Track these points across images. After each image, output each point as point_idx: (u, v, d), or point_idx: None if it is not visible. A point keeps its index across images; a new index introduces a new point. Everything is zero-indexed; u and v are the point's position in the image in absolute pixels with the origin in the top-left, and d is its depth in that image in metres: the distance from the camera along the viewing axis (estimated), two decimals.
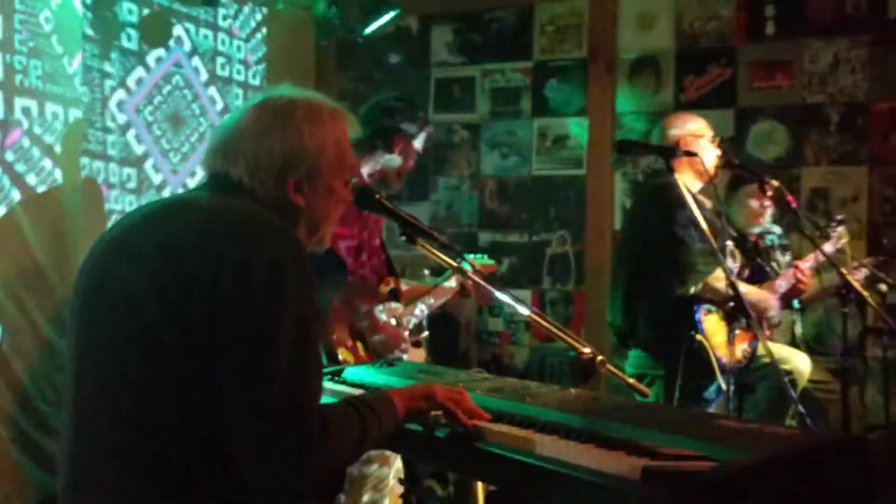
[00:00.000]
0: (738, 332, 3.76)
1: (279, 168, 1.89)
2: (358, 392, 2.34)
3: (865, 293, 4.04)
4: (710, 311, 3.79)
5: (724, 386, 3.73)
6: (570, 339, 2.55)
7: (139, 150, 4.71)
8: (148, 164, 4.77)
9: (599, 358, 2.49)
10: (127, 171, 4.63)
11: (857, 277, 4.16)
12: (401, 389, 2.06)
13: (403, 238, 2.46)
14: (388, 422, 1.93)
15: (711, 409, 3.81)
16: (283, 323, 1.70)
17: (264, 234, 1.77)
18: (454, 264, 2.59)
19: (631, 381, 2.80)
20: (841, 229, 4.39)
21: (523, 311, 2.66)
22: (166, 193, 4.88)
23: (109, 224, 4.47)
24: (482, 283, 2.62)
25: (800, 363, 4.24)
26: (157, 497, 1.70)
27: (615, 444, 1.86)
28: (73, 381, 1.83)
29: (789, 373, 4.11)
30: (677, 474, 1.65)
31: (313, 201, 1.95)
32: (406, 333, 3.34)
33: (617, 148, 3.14)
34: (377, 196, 2.45)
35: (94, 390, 1.78)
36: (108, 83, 4.44)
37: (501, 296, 2.63)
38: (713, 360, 3.68)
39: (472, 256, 3.92)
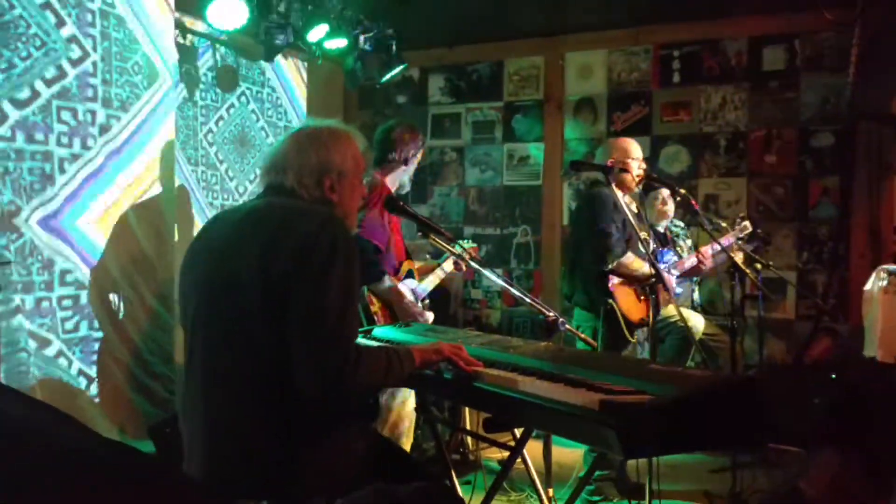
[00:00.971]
0: (642, 297, 3.82)
1: (317, 174, 1.97)
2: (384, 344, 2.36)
3: (746, 269, 4.06)
4: (621, 283, 3.81)
5: (630, 338, 3.77)
6: (538, 306, 2.57)
7: (210, 169, 4.70)
8: (219, 178, 4.76)
9: (560, 319, 2.51)
10: (204, 179, 4.62)
11: (739, 258, 4.17)
12: (418, 346, 2.08)
13: (420, 234, 2.47)
14: (408, 365, 1.97)
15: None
16: (335, 277, 1.75)
17: (324, 219, 1.84)
18: (455, 252, 2.61)
19: (583, 336, 2.82)
20: (745, 223, 4.39)
21: (503, 284, 2.67)
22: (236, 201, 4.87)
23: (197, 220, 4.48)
24: (475, 265, 2.63)
25: (696, 321, 4.26)
26: (259, 401, 1.77)
27: (578, 384, 1.86)
28: (199, 340, 1.87)
29: (689, 329, 4.13)
30: (626, 405, 1.67)
31: (343, 196, 2.02)
32: (418, 303, 3.33)
33: (571, 166, 3.14)
34: (402, 203, 2.45)
35: (218, 336, 1.83)
36: (198, 117, 4.43)
37: (490, 274, 2.64)
38: (620, 318, 3.73)
39: (463, 241, 3.93)
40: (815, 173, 5.07)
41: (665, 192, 4.58)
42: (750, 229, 4.37)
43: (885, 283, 3.95)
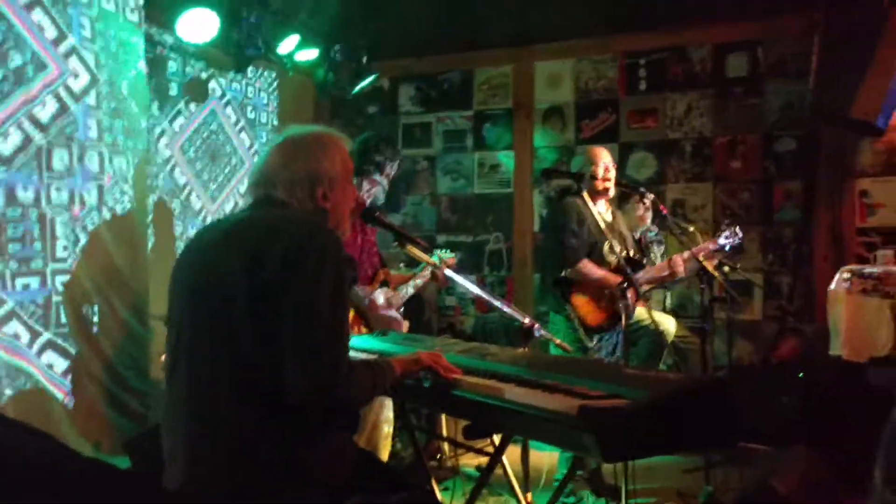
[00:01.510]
0: (602, 303, 3.89)
1: (309, 185, 1.95)
2: (361, 355, 2.37)
3: (715, 272, 4.13)
4: (579, 289, 3.89)
5: (588, 343, 3.85)
6: (514, 312, 2.60)
7: (182, 181, 4.66)
8: (188, 193, 4.73)
9: (536, 325, 2.55)
10: (175, 199, 4.58)
11: (708, 263, 4.22)
12: (398, 357, 2.10)
13: (396, 244, 2.49)
14: (390, 378, 1.99)
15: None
16: (325, 286, 1.76)
17: (311, 227, 1.85)
18: (432, 262, 2.63)
19: (558, 341, 2.86)
20: (737, 228, 4.38)
21: (479, 292, 2.70)
22: (207, 217, 4.85)
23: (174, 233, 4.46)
24: (452, 275, 2.65)
25: (668, 324, 4.32)
26: (248, 406, 1.76)
27: (555, 389, 1.90)
28: (184, 350, 1.87)
29: (661, 332, 4.21)
30: (604, 409, 1.71)
31: (335, 203, 2.01)
32: (393, 311, 3.35)
33: (542, 174, 3.21)
34: (378, 213, 2.47)
35: (203, 347, 1.83)
36: (157, 129, 4.40)
37: (466, 283, 2.67)
38: (577, 324, 3.80)
39: (441, 251, 3.96)
40: (779, 177, 5.18)
41: (650, 197, 4.61)
42: (740, 235, 4.27)
43: (848, 283, 4.04)
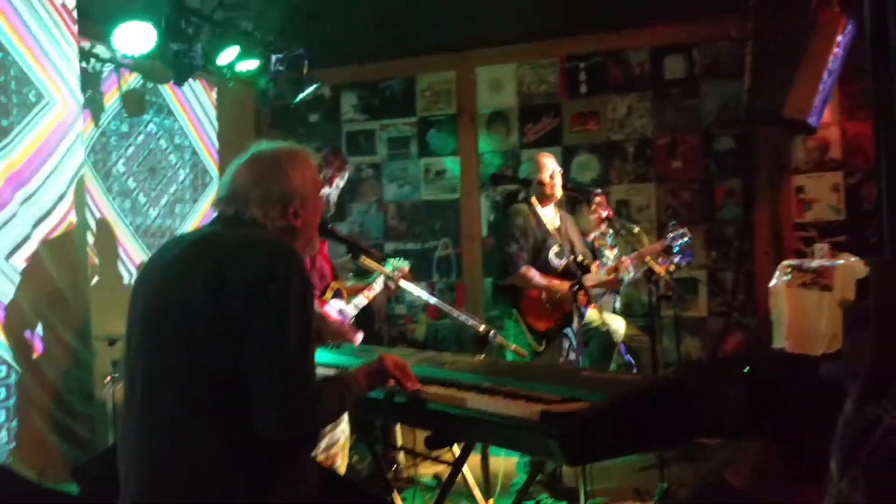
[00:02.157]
0: (549, 308, 3.96)
1: (283, 204, 1.92)
2: (320, 369, 2.35)
3: (660, 271, 4.22)
4: (526, 294, 3.95)
5: (537, 347, 3.91)
6: (469, 320, 2.62)
7: (122, 197, 4.57)
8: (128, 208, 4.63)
9: (492, 331, 2.57)
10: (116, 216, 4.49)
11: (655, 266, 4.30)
12: (362, 367, 2.06)
13: (350, 255, 2.48)
14: (356, 393, 1.97)
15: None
16: (293, 316, 1.73)
17: (276, 251, 1.82)
18: (388, 272, 2.63)
19: (513, 346, 2.89)
20: (685, 229, 4.48)
21: (433, 301, 2.71)
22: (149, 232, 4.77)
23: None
24: (406, 284, 2.66)
25: (618, 325, 4.40)
26: (208, 431, 1.73)
27: (516, 396, 1.92)
28: (140, 372, 1.82)
29: (610, 333, 4.28)
30: (565, 415, 1.73)
31: (306, 220, 1.98)
32: (349, 321, 3.33)
33: (491, 180, 3.26)
34: (331, 227, 2.47)
35: (162, 366, 1.79)
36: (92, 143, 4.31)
37: (422, 292, 2.68)
38: (524, 327, 3.87)
39: (394, 260, 3.96)
40: (719, 176, 5.32)
41: (597, 200, 4.67)
42: (689, 236, 4.38)
43: (789, 277, 4.17)
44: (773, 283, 4.29)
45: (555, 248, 4.07)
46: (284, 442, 1.76)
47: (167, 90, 4.94)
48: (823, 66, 4.31)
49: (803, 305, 4.07)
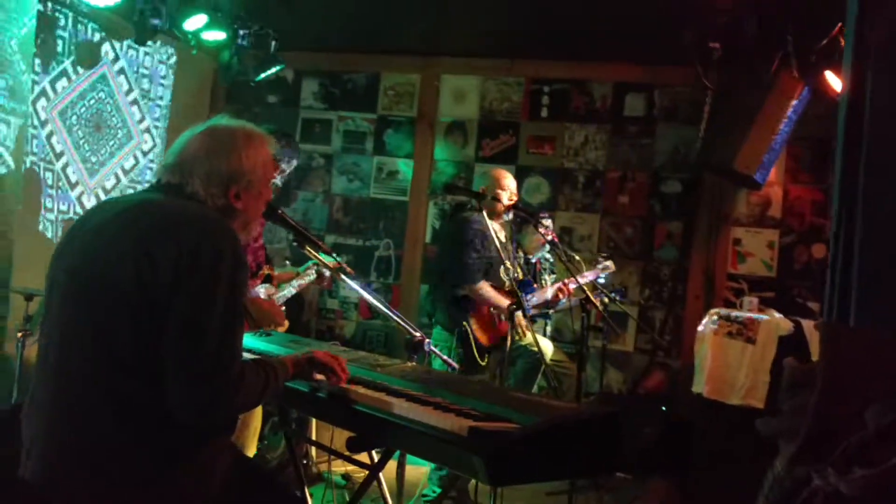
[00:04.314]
0: (496, 323, 3.97)
1: (225, 183, 1.87)
2: (248, 355, 2.29)
3: (596, 302, 4.29)
4: (478, 307, 3.95)
5: (480, 361, 3.92)
6: (404, 325, 2.59)
7: (58, 149, 4.38)
8: (64, 164, 4.45)
9: (427, 340, 2.55)
10: (47, 168, 4.30)
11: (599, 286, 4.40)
12: (291, 356, 2.02)
13: (295, 243, 2.43)
14: (282, 379, 1.93)
15: (477, 377, 3.95)
16: (219, 293, 1.68)
17: (211, 228, 1.76)
18: (331, 265, 2.59)
19: (445, 357, 2.88)
20: (609, 263, 4.59)
21: (371, 300, 2.68)
22: (84, 192, 4.58)
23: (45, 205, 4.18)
24: (349, 281, 2.62)
25: (546, 347, 4.44)
26: (117, 414, 1.67)
27: (446, 408, 1.90)
28: (56, 338, 1.74)
29: (538, 353, 4.32)
30: (494, 433, 1.72)
31: (248, 204, 1.93)
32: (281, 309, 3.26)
33: (445, 189, 3.24)
34: (280, 211, 2.41)
35: (75, 345, 1.71)
36: (37, 88, 4.12)
37: (362, 290, 2.64)
38: (472, 342, 3.87)
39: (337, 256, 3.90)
40: (663, 217, 5.43)
41: (545, 224, 4.71)
42: (613, 269, 4.56)
43: (715, 325, 4.28)
44: (700, 328, 4.39)
45: (506, 264, 4.08)
46: (197, 425, 1.71)
47: (125, 46, 4.78)
48: (776, 127, 4.45)
49: (726, 354, 4.18)
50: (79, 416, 1.68)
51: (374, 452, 2.45)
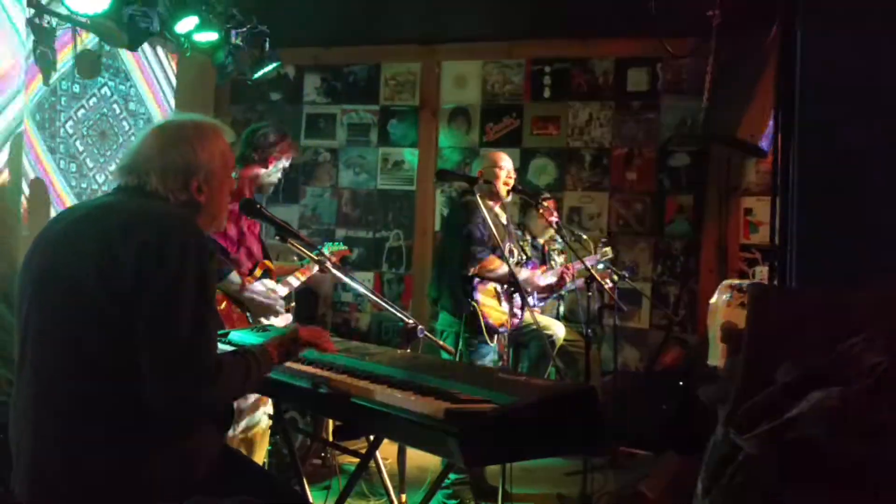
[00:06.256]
0: (505, 302, 3.94)
1: (184, 177, 1.85)
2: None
3: (603, 282, 4.26)
4: (485, 287, 3.91)
5: (489, 341, 3.88)
6: (397, 313, 2.58)
7: (65, 160, 4.44)
8: (73, 172, 4.51)
9: (420, 327, 2.53)
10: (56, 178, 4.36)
11: (599, 271, 4.38)
12: (274, 340, 2.01)
13: (277, 238, 2.43)
14: (266, 366, 1.92)
15: (488, 358, 3.92)
16: (187, 286, 1.67)
17: (174, 226, 1.75)
18: (314, 257, 2.59)
19: (440, 342, 2.86)
20: (607, 249, 4.57)
21: (361, 290, 2.67)
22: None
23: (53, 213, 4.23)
24: (333, 270, 2.61)
25: (558, 329, 4.41)
26: (90, 412, 1.68)
27: (428, 392, 1.88)
28: (30, 344, 1.76)
29: (551, 336, 4.29)
30: (469, 414, 1.69)
31: (211, 197, 1.91)
32: (275, 301, 3.26)
33: (437, 176, 3.21)
34: (259, 206, 2.41)
35: (50, 340, 1.73)
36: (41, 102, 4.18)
37: (349, 280, 2.64)
38: (482, 321, 3.83)
39: (330, 244, 3.90)
40: (672, 191, 5.36)
41: (545, 205, 4.68)
42: (611, 255, 4.55)
43: (728, 296, 4.20)
44: (713, 300, 4.32)
45: (508, 247, 4.05)
46: (176, 418, 1.71)
47: (126, 55, 4.82)
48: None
49: (739, 325, 4.11)
50: (58, 418, 1.70)
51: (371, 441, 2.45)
